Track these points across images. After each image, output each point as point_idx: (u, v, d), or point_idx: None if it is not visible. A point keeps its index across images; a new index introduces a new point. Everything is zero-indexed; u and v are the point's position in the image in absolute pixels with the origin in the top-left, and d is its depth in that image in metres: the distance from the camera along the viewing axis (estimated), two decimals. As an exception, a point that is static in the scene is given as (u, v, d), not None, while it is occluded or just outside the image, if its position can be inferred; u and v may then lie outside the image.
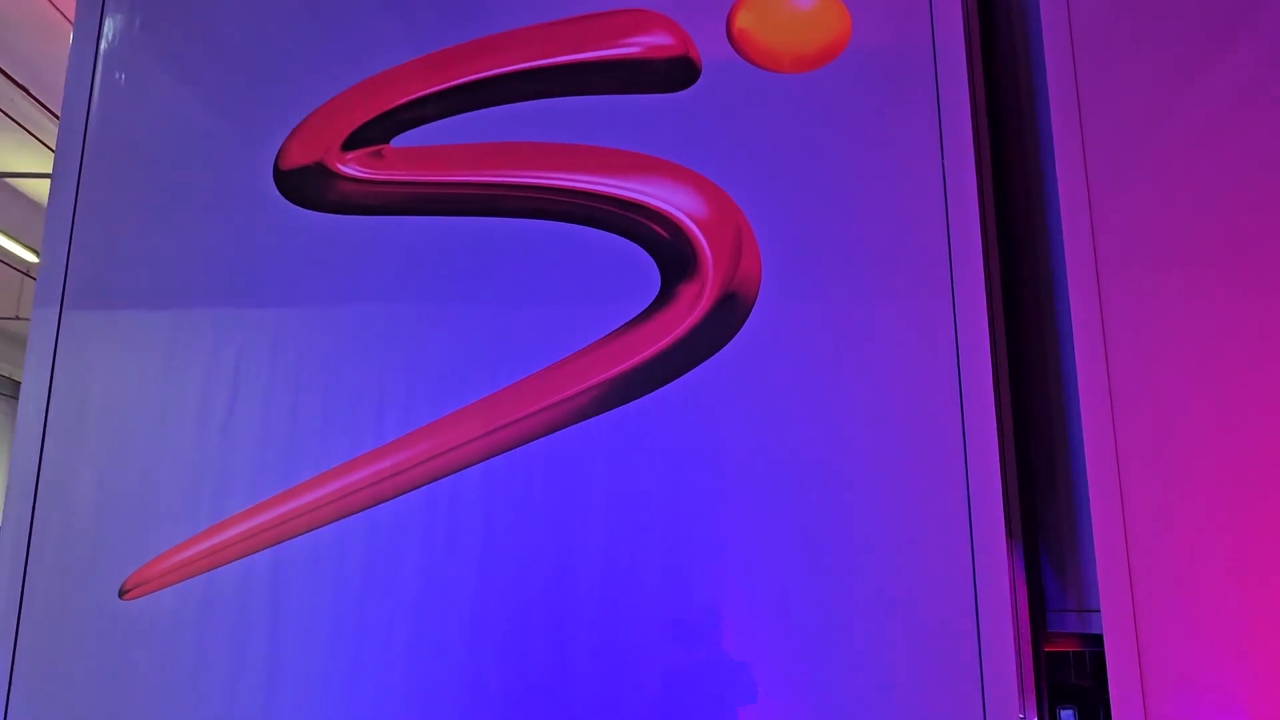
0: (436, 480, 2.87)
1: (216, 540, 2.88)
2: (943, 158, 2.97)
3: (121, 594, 2.86)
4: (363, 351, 2.98)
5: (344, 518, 2.87)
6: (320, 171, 3.12)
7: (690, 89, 3.09)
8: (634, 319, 2.93)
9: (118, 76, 3.27)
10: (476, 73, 3.16)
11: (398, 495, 2.86)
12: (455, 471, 2.87)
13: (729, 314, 2.91)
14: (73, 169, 3.21)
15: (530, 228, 3.07)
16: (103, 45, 3.31)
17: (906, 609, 2.67)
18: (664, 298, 2.94)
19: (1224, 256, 2.80)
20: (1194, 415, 2.69)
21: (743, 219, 2.98)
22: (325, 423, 2.95)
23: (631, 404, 2.87)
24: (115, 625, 2.84)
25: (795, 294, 2.92)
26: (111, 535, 2.92)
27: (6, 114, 11.92)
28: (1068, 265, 2.84)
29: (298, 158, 3.14)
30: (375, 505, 2.87)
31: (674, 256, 2.97)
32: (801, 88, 3.09)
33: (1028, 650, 2.75)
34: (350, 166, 3.12)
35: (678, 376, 2.88)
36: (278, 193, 3.14)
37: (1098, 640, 2.64)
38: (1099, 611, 2.60)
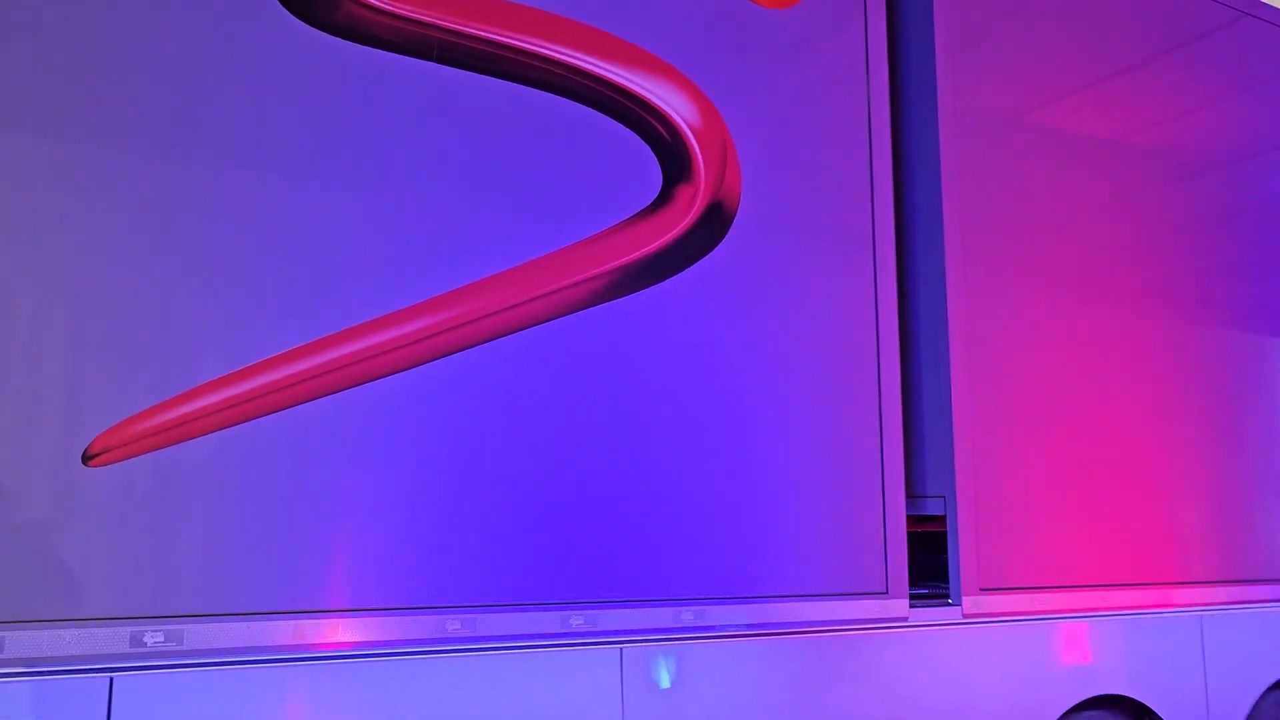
0: (428, 362, 2.77)
1: (191, 408, 2.50)
2: (870, 122, 3.52)
3: (86, 460, 2.37)
4: (358, 208, 2.71)
5: (332, 392, 2.67)
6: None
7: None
8: (638, 214, 3.08)
9: None
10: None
11: (386, 374, 2.73)
12: (445, 355, 2.79)
13: (717, 222, 3.20)
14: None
15: (540, 100, 2.99)
16: None
17: (826, 486, 3.32)
18: (664, 197, 3.12)
19: (1060, 225, 3.81)
20: (1027, 367, 3.70)
21: (728, 134, 3.24)
22: (313, 288, 2.66)
23: (631, 296, 3.05)
24: (81, 491, 2.36)
25: (763, 219, 3.29)
26: (81, 392, 2.37)
27: None
28: (945, 236, 3.60)
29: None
30: (361, 383, 2.70)
31: (673, 158, 3.14)
32: (775, 21, 3.38)
33: (902, 527, 3.56)
34: (362, -12, 2.73)
35: (671, 276, 3.12)
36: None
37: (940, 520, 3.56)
38: (944, 497, 3.51)
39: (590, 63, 3.06)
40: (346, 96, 2.73)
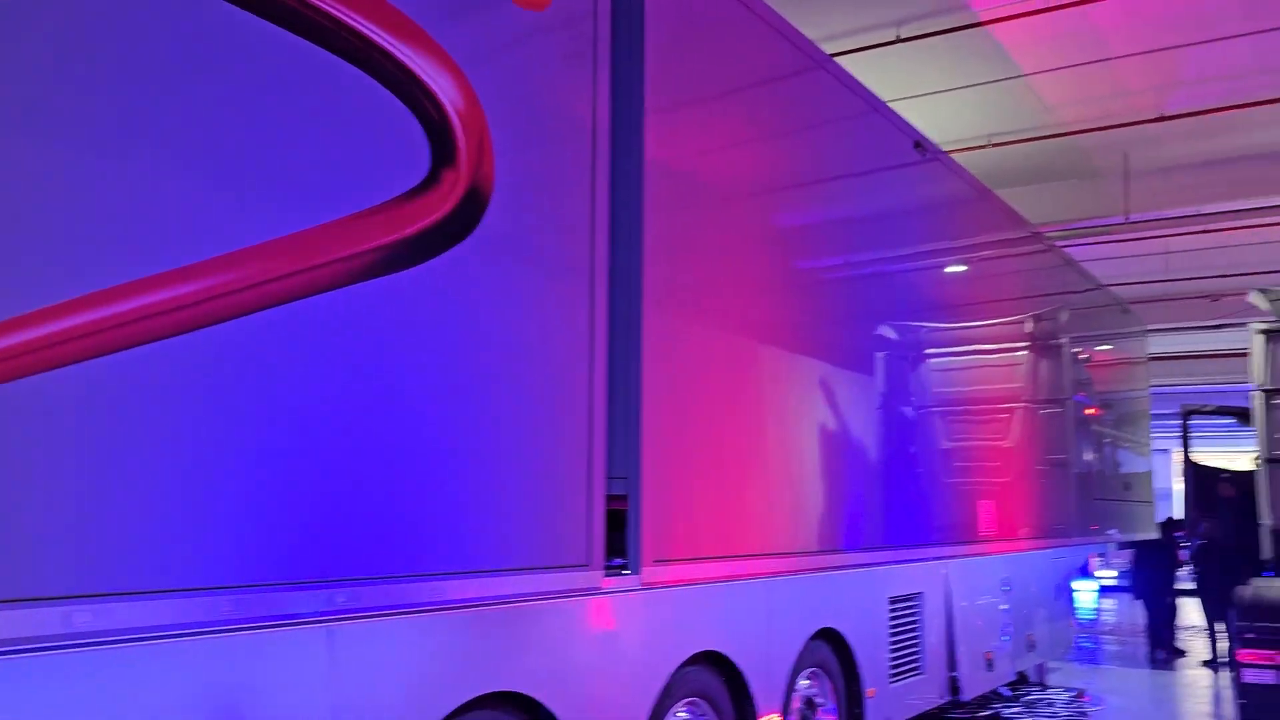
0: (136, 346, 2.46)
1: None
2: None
3: None
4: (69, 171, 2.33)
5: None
6: None
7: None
8: (407, 192, 3.00)
9: None
10: None
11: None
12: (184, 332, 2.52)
13: (473, 209, 3.20)
14: None
15: (310, 52, 2.78)
16: None
17: (542, 468, 3.51)
18: (431, 179, 3.07)
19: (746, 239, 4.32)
20: (706, 374, 4.19)
21: (485, 122, 3.26)
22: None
23: (384, 278, 2.97)
24: None
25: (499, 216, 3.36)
26: None
27: None
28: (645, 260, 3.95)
29: None
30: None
31: (440, 138, 3.09)
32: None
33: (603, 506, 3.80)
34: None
35: (429, 259, 3.08)
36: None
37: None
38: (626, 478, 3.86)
39: (366, 26, 2.90)
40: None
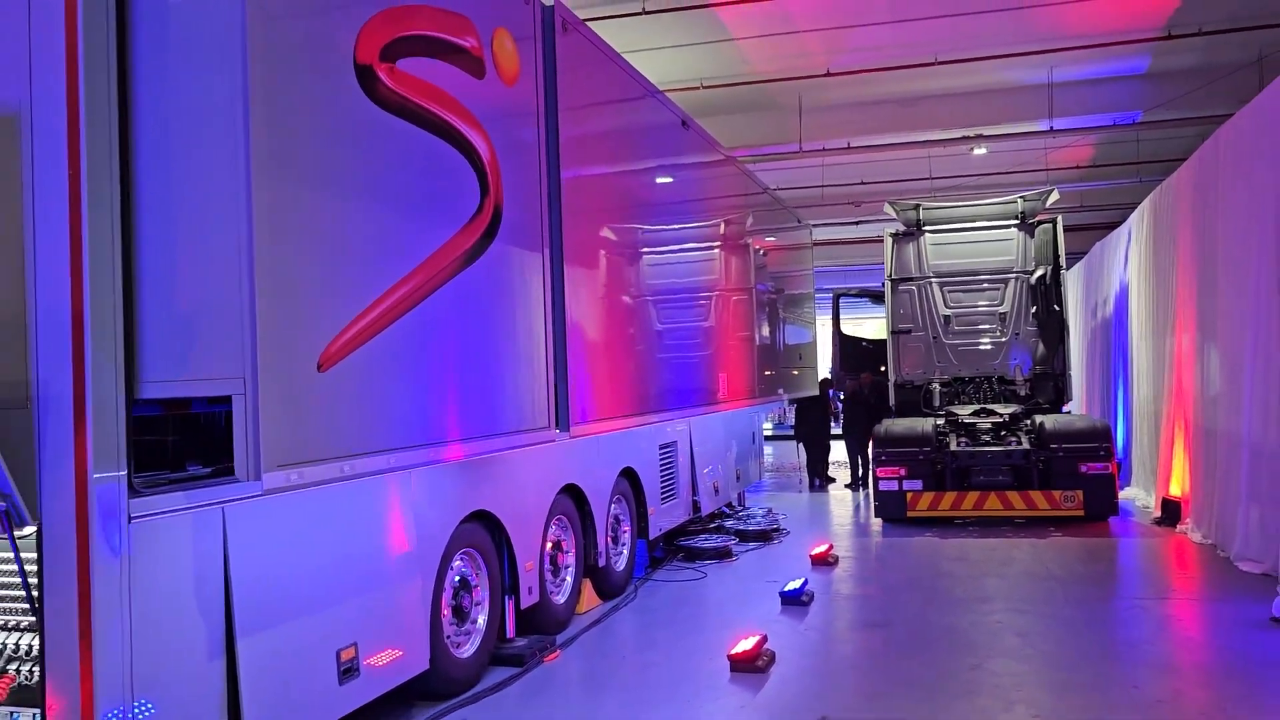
0: None
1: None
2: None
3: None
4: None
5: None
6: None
7: None
8: (471, 215, 5.13)
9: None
10: None
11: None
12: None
13: (497, 219, 5.35)
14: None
15: (421, 136, 4.85)
16: None
17: (529, 369, 5.80)
18: (480, 205, 5.19)
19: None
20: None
21: (499, 162, 5.39)
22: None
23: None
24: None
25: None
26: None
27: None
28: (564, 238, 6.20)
29: None
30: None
31: (483, 178, 5.20)
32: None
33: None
34: None
35: (482, 254, 5.23)
36: None
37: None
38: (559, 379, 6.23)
39: (448, 116, 4.96)
40: None
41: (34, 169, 3.40)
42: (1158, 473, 12.17)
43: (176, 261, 3.67)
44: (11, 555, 3.51)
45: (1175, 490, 11.31)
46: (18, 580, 3.67)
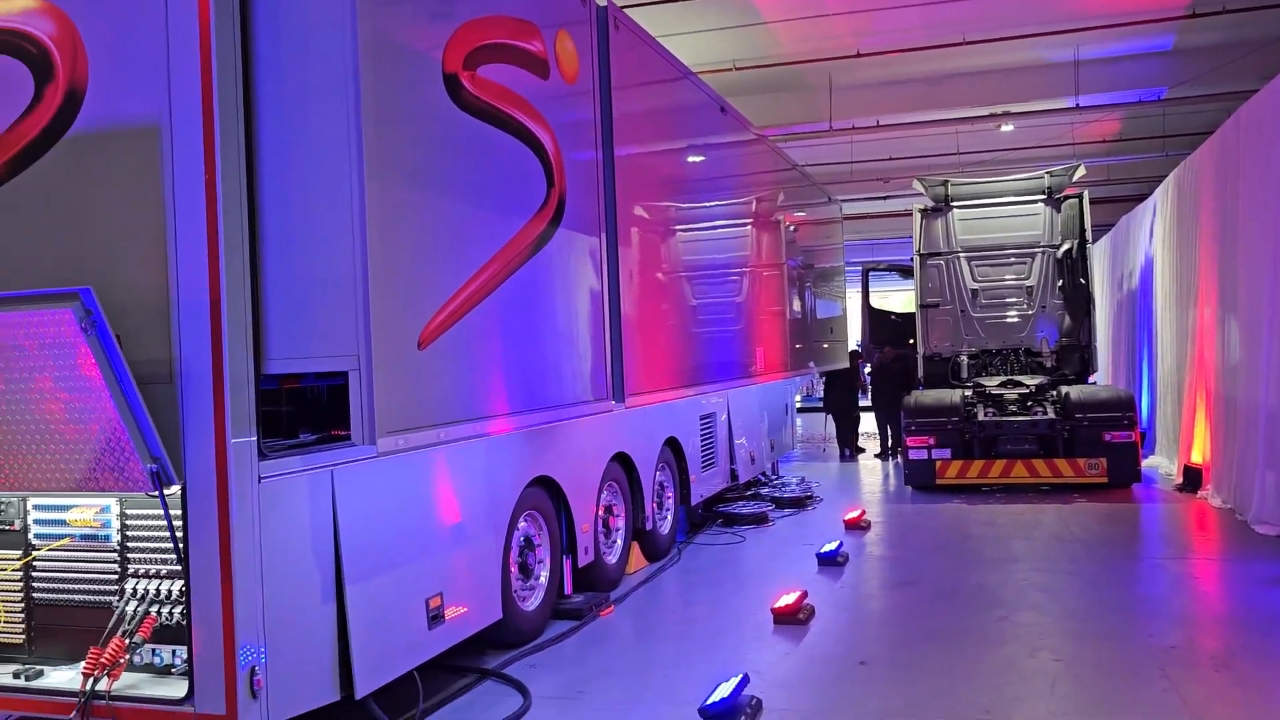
0: None
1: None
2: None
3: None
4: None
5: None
6: None
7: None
8: (540, 204, 5.61)
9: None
10: None
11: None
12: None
13: (561, 208, 5.84)
14: None
15: (499, 137, 5.33)
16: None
17: (593, 348, 6.30)
18: (547, 196, 5.67)
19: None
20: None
21: (562, 156, 5.87)
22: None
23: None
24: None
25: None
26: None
27: None
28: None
29: None
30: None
31: (549, 170, 5.68)
32: None
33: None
34: None
35: (550, 239, 5.72)
36: None
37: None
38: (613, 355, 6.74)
39: (521, 116, 5.43)
40: None
41: (174, 174, 3.89)
42: (1180, 441, 12.53)
43: (297, 253, 4.18)
44: (155, 511, 4.04)
45: (1196, 458, 11.68)
46: (157, 533, 4.21)
